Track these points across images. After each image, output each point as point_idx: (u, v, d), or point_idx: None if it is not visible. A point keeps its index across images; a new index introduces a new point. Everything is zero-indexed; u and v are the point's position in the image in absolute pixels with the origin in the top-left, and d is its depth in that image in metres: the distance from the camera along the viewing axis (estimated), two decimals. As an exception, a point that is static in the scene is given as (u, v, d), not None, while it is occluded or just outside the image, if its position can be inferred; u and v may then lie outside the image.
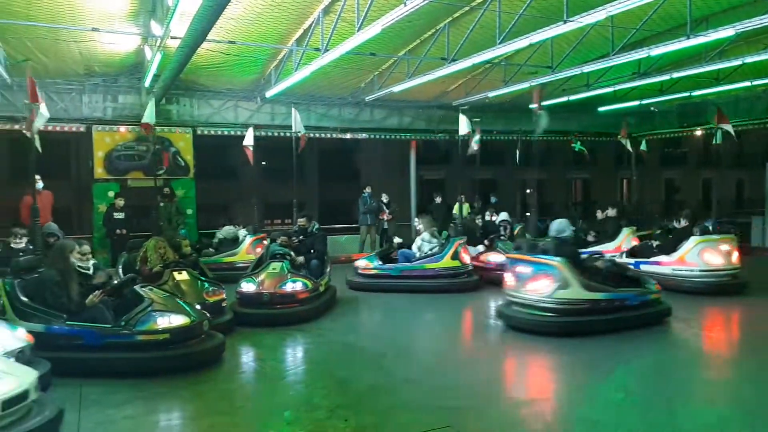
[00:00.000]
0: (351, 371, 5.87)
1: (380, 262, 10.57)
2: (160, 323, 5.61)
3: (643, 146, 17.94)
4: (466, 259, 10.47)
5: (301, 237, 9.71)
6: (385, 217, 14.89)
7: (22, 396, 3.81)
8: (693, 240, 9.71)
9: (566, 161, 26.38)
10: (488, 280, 10.38)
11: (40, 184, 11.25)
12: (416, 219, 11.87)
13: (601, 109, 17.38)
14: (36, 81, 8.27)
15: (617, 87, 14.45)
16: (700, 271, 9.51)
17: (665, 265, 9.89)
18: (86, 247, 6.10)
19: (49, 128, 12.67)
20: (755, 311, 8.67)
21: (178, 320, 5.71)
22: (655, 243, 10.83)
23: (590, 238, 12.34)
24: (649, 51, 10.63)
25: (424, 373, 5.79)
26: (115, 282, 6.14)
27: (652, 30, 11.04)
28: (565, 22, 8.74)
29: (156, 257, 7.86)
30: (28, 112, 8.06)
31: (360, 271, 10.61)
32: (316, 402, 4.95)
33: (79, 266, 5.91)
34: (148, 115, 11.59)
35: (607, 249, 11.61)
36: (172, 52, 9.40)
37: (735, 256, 9.75)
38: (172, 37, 8.78)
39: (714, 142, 16.71)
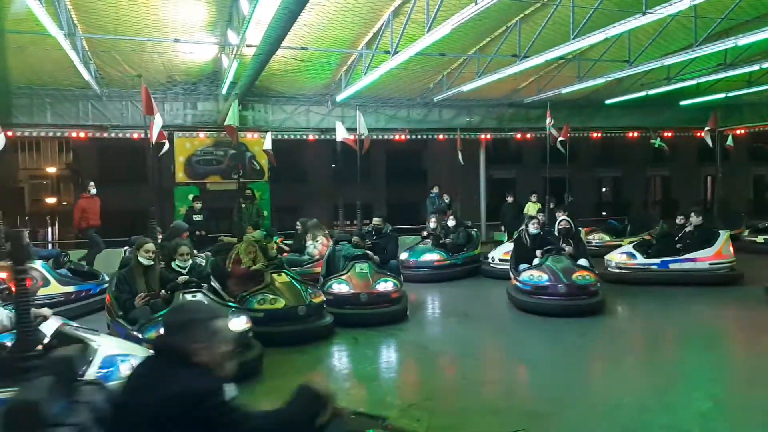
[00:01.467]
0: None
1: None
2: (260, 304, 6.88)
3: (729, 141, 16.97)
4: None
5: (375, 238, 9.64)
6: (448, 219, 14.76)
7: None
8: (724, 234, 10.25)
9: (645, 158, 25.27)
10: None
11: (93, 190, 12.05)
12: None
13: (683, 102, 16.56)
14: (125, 91, 8.74)
15: (701, 79, 13.72)
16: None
17: (702, 260, 10.02)
18: (150, 245, 6.09)
19: (135, 135, 13.46)
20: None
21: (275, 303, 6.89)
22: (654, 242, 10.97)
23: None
24: (736, 40, 10.01)
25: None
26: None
27: (739, 18, 10.41)
28: (644, 13, 8.38)
29: (248, 259, 7.89)
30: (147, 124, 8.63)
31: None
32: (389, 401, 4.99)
33: (177, 265, 6.26)
34: (231, 118, 11.60)
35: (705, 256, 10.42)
36: (248, 60, 9.73)
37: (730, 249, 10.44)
38: (247, 45, 9.09)
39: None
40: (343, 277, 8.10)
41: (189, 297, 5.63)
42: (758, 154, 27.79)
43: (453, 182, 20.28)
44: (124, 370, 4.26)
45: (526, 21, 10.75)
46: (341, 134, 12.60)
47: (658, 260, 10.31)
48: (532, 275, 8.49)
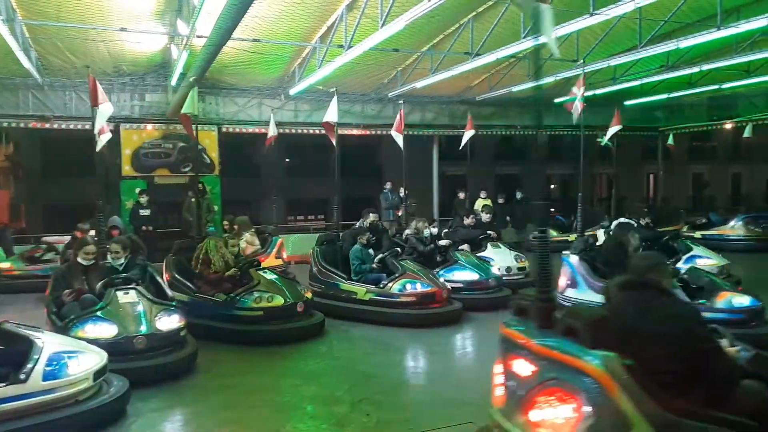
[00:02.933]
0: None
1: None
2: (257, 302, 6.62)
3: (670, 140, 17.66)
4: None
5: (373, 237, 8.82)
6: (400, 213, 14.87)
7: (104, 369, 4.43)
8: None
9: (591, 156, 26.01)
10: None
11: None
12: None
13: (628, 102, 17.12)
14: (69, 81, 8.42)
15: (644, 80, 14.22)
16: None
17: None
18: (91, 247, 5.98)
19: (79, 126, 12.98)
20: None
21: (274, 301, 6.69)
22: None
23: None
24: (678, 43, 10.44)
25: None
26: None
27: (681, 21, 10.83)
28: (591, 14, 8.63)
29: (218, 258, 7.15)
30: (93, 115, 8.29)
31: None
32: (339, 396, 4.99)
33: (109, 263, 6.06)
34: (188, 106, 10.96)
35: None
36: (198, 51, 9.51)
37: None
38: (198, 36, 8.88)
39: (744, 135, 16.43)
40: (413, 277, 7.58)
41: (121, 294, 5.48)
42: (697, 153, 29.02)
43: (407, 178, 20.37)
44: (73, 366, 4.15)
45: (478, 19, 10.89)
46: (272, 131, 12.70)
47: None
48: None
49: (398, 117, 11.75)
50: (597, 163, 27.50)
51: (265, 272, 7.24)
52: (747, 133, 16.33)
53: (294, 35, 11.07)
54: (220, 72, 12.73)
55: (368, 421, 4.42)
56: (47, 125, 13.08)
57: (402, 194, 14.98)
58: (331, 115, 10.34)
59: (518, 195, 16.76)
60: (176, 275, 7.33)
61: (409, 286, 7.42)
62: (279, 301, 6.69)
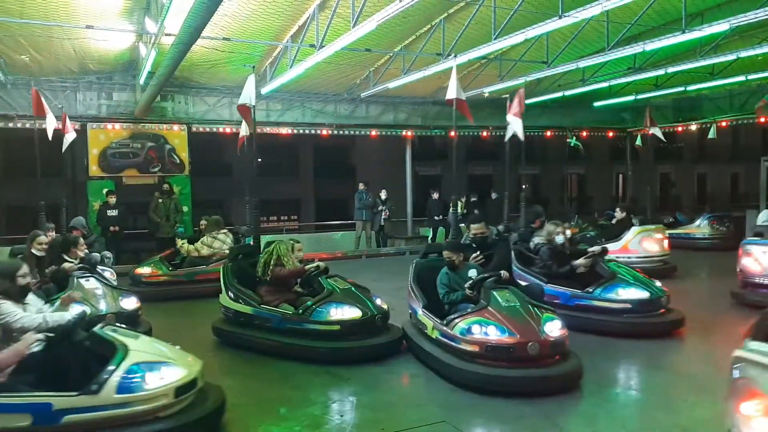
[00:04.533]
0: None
1: None
2: (333, 314, 5.93)
3: (638, 141, 17.97)
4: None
5: (478, 253, 6.31)
6: (384, 215, 14.89)
7: (192, 384, 4.05)
8: (634, 230, 10.86)
9: (562, 157, 26.44)
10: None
11: None
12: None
13: (597, 104, 17.42)
14: (33, 79, 8.23)
15: (612, 82, 14.47)
16: (639, 257, 10.57)
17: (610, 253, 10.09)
18: (42, 238, 6.60)
19: (44, 126, 12.64)
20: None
21: (351, 313, 5.94)
22: (590, 234, 11.20)
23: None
24: (644, 46, 10.64)
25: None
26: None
27: (647, 25, 11.04)
28: (560, 17, 8.74)
29: (292, 262, 6.54)
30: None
31: None
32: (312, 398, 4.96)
33: (66, 259, 6.42)
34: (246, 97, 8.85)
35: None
36: (167, 50, 9.36)
37: (666, 244, 11.04)
38: (166, 34, 8.73)
39: (708, 136, 16.84)
40: (490, 316, 5.11)
41: (83, 281, 6.00)
42: (664, 154, 29.69)
43: (381, 178, 20.43)
44: (153, 380, 3.84)
45: (450, 20, 10.95)
46: (244, 130, 12.13)
47: None
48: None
49: (516, 99, 9.84)
50: (567, 163, 28.02)
51: (336, 280, 6.47)
52: (711, 134, 16.74)
53: (265, 34, 10.98)
54: (189, 71, 12.56)
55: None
56: (11, 124, 12.75)
57: (382, 195, 15.01)
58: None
59: (493, 195, 16.86)
60: (237, 284, 6.62)
61: (477, 329, 5.06)
62: (357, 314, 5.91)
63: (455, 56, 7.43)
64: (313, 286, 6.50)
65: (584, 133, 19.08)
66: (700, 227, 14.39)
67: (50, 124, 8.46)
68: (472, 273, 5.79)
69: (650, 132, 13.90)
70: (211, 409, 4.14)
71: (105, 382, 3.73)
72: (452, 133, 15.28)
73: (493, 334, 4.98)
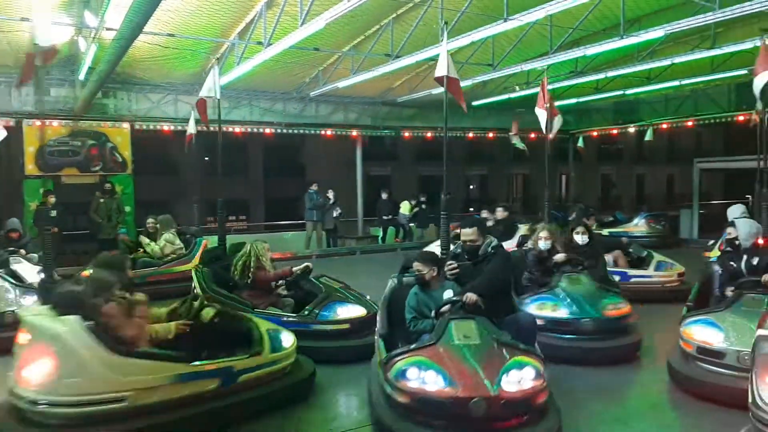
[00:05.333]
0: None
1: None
2: (340, 313, 5.98)
3: (580, 143, 18.56)
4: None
5: (469, 261, 5.06)
6: (335, 214, 14.83)
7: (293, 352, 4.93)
8: (522, 229, 10.88)
9: (508, 158, 27.03)
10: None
11: None
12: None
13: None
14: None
15: (555, 85, 14.88)
16: None
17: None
18: None
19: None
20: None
21: (357, 311, 6.03)
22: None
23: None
24: (585, 50, 11.01)
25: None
26: None
27: (588, 30, 11.43)
28: (505, 20, 8.96)
29: (269, 262, 6.46)
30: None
31: None
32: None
33: None
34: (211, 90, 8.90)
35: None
36: (108, 44, 9.08)
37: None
38: (107, 29, 8.49)
39: (645, 139, 17.54)
40: (433, 357, 3.91)
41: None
42: (605, 155, 30.76)
43: (331, 178, 20.36)
44: (285, 341, 4.89)
45: (398, 21, 11.03)
46: (191, 128, 11.86)
47: None
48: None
49: (540, 89, 9.94)
50: (512, 165, 28.66)
51: (327, 280, 6.52)
52: (648, 136, 17.43)
53: (211, 31, 10.78)
54: (132, 66, 12.21)
55: None
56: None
57: (330, 196, 14.93)
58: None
59: (446, 195, 17.01)
60: (218, 288, 6.27)
61: (414, 373, 3.87)
62: (362, 311, 5.97)
63: (446, 32, 6.77)
64: (301, 287, 6.49)
65: (532, 135, 19.55)
66: (638, 226, 14.98)
67: None
68: (448, 294, 4.52)
69: (513, 141, 14.59)
70: (310, 371, 5.06)
71: (263, 344, 4.64)
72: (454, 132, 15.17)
73: (431, 381, 3.74)
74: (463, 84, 13.55)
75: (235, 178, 24.89)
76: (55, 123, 12.83)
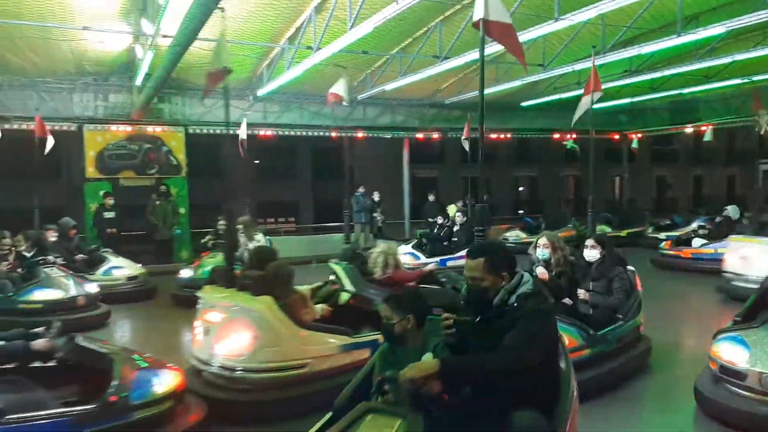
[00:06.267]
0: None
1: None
2: None
3: (634, 144, 18.05)
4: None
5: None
6: (378, 218, 14.89)
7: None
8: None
9: (558, 159, 26.48)
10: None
11: None
12: None
13: (593, 106, 17.41)
14: (29, 80, 8.22)
15: (608, 85, 14.49)
16: None
17: None
18: (7, 240, 7.59)
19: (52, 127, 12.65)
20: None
21: None
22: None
23: None
24: (640, 49, 10.69)
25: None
26: None
27: (642, 28, 11.09)
28: (556, 19, 8.79)
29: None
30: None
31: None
32: None
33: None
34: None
35: None
36: (164, 51, 9.38)
37: None
38: (163, 36, 8.76)
39: (704, 139, 16.90)
40: None
41: (48, 270, 7.73)
42: (660, 156, 29.76)
43: (378, 180, 20.43)
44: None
45: (446, 22, 10.98)
46: (242, 133, 12.25)
47: (437, 259, 10.60)
48: None
49: (591, 75, 9.21)
50: (563, 166, 28.07)
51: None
52: (707, 137, 16.80)
53: (262, 36, 11.00)
54: (186, 72, 12.55)
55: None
56: (7, 125, 12.72)
57: (376, 198, 15.02)
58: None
59: (484, 198, 16.82)
60: (363, 281, 6.18)
61: None
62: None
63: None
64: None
65: (574, 136, 19.15)
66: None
67: None
68: (427, 357, 2.68)
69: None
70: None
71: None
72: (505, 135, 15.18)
73: None
74: (512, 84, 13.51)
75: (284, 181, 25.31)
76: (114, 127, 13.33)
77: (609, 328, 5.16)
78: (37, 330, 3.93)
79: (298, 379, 4.58)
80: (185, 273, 9.44)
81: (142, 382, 3.86)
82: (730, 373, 4.36)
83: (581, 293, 5.41)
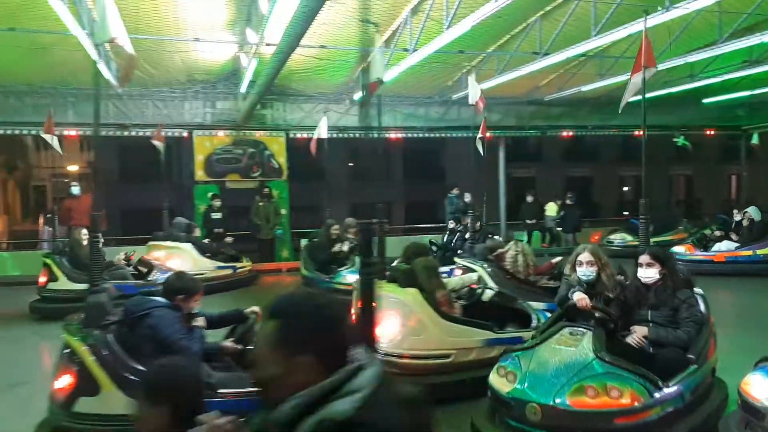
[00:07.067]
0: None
1: None
2: None
3: (754, 139, 16.65)
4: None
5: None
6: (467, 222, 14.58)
7: None
8: None
9: (667, 157, 24.91)
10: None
11: (75, 191, 12.27)
12: None
13: (707, 100, 16.26)
14: (146, 90, 8.80)
15: (725, 77, 13.45)
16: None
17: None
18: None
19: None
20: None
21: None
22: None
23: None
24: (762, 37, 9.80)
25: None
26: None
27: (765, 14, 10.17)
28: (667, 9, 8.24)
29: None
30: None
31: None
32: None
33: None
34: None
35: None
36: (267, 59, 9.74)
37: None
38: (266, 44, 9.10)
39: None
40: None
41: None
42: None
43: (472, 181, 20.17)
44: None
45: (546, 18, 10.63)
46: (323, 132, 12.44)
47: (447, 269, 9.58)
48: None
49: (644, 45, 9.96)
50: (673, 165, 26.39)
51: None
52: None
53: (359, 41, 11.14)
54: (287, 79, 12.98)
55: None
56: (126, 133, 13.75)
57: (467, 199, 14.82)
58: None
59: (567, 196, 15.99)
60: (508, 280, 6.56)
61: None
62: None
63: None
64: None
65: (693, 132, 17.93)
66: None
67: (55, 144, 9.99)
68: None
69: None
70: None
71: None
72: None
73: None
74: (617, 79, 12.86)
75: (377, 182, 25.56)
76: (221, 133, 14.05)
77: (682, 376, 3.87)
78: None
79: (442, 368, 4.85)
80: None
81: None
82: (749, 410, 3.52)
83: (636, 331, 4.11)
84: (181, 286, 3.94)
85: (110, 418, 3.53)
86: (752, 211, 11.83)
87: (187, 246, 10.50)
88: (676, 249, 11.41)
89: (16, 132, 13.96)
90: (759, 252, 11.03)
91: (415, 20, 9.93)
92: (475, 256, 7.28)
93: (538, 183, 24.07)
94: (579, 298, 4.15)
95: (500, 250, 6.97)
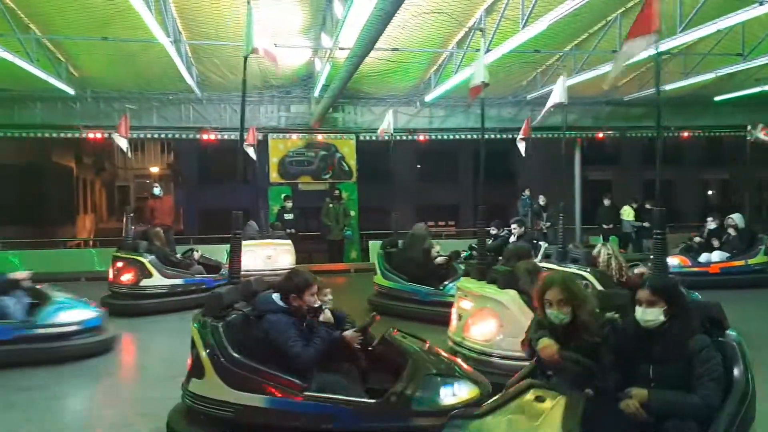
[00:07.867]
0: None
1: None
2: None
3: None
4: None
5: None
6: (542, 227, 14.22)
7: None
8: None
9: (755, 160, 23.37)
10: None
11: (156, 192, 12.74)
12: None
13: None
14: (225, 95, 9.05)
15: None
16: None
17: None
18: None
19: (233, 137, 14.04)
20: None
21: None
22: None
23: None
24: None
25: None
26: None
27: None
28: (761, 3, 7.72)
29: None
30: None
31: None
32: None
33: None
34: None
35: None
36: (340, 63, 9.86)
37: None
38: (340, 48, 9.21)
39: None
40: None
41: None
42: None
43: (544, 183, 19.69)
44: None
45: (627, 15, 10.20)
46: (390, 126, 12.04)
47: None
48: None
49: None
50: (762, 167, 24.75)
51: None
52: None
53: (432, 42, 11.10)
54: (359, 82, 13.08)
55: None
56: (205, 136, 14.30)
57: (541, 201, 14.46)
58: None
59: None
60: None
61: None
62: None
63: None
64: None
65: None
66: None
67: (123, 145, 10.13)
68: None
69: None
70: None
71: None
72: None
73: None
74: (704, 77, 12.20)
75: (445, 184, 25.42)
76: (294, 136, 14.37)
77: None
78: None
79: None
80: None
81: (430, 388, 3.61)
82: None
83: (633, 396, 2.80)
84: (288, 286, 3.90)
85: (206, 401, 3.80)
86: (736, 218, 11.08)
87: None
88: (669, 261, 8.98)
89: (105, 135, 14.79)
90: (750, 262, 10.49)
91: (489, 20, 9.78)
92: (564, 261, 7.04)
93: (614, 186, 23.20)
94: (543, 346, 3.01)
95: (592, 253, 6.75)
